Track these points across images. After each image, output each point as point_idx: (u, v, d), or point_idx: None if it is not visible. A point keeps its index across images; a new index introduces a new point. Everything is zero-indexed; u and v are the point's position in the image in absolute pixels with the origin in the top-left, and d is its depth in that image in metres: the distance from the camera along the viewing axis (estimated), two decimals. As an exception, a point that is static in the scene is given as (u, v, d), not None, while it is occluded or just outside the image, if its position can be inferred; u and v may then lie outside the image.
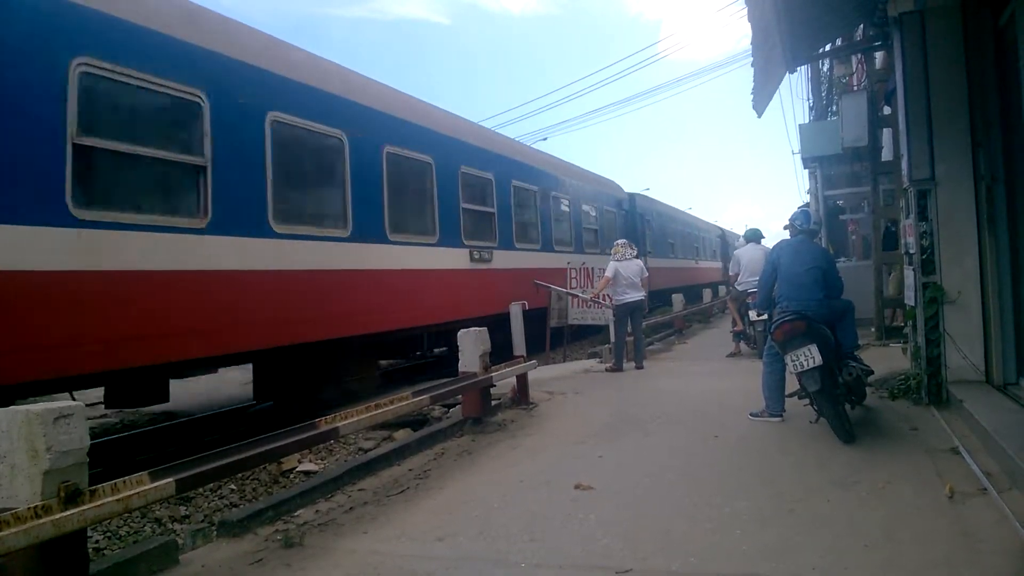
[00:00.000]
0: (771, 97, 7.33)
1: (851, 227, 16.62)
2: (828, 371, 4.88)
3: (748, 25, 5.33)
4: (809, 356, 4.80)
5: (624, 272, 9.31)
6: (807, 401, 5.16)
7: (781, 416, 5.60)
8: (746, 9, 5.53)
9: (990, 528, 3.22)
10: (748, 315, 9.37)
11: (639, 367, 9.37)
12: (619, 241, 9.96)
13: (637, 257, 9.79)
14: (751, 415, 5.76)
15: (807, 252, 5.55)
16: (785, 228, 6.16)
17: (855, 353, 5.47)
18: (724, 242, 35.20)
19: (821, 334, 4.98)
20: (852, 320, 5.60)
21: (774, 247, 6.03)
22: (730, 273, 10.81)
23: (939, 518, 3.40)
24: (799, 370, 4.86)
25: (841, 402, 4.99)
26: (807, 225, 5.79)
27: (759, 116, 7.33)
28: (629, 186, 20.54)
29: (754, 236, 10.39)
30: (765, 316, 6.30)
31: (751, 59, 6.20)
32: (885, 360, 7.36)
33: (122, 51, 5.28)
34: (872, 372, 5.50)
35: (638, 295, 9.35)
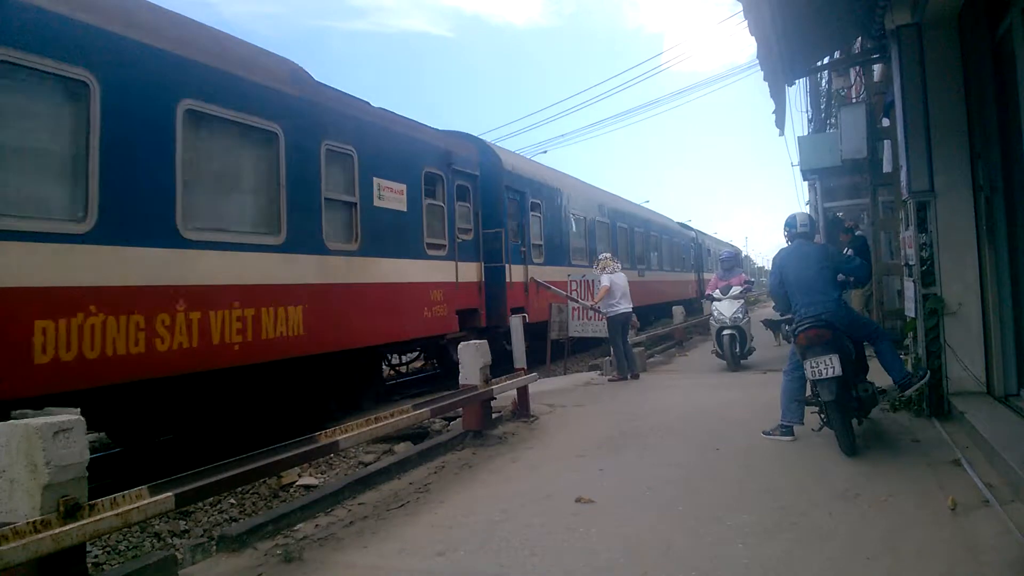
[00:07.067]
0: (785, 111, 7.33)
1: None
2: (844, 384, 4.85)
3: (750, 37, 5.35)
4: (829, 365, 4.78)
5: (619, 283, 9.66)
6: (816, 409, 5.13)
7: (794, 433, 5.40)
8: (747, 23, 5.55)
9: (993, 540, 3.21)
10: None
11: (635, 375, 9.62)
12: (605, 255, 10.36)
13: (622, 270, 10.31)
14: (764, 434, 5.56)
15: (811, 254, 5.43)
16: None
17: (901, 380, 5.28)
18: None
19: (845, 347, 4.96)
20: (891, 348, 5.34)
21: (776, 256, 5.83)
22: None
23: (941, 530, 3.38)
24: (816, 377, 4.85)
25: (851, 416, 4.96)
26: (796, 229, 5.64)
27: (781, 133, 7.38)
28: (631, 198, 20.37)
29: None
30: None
31: (760, 72, 6.21)
32: (885, 372, 7.32)
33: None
34: (885, 392, 5.40)
35: (629, 306, 9.71)
